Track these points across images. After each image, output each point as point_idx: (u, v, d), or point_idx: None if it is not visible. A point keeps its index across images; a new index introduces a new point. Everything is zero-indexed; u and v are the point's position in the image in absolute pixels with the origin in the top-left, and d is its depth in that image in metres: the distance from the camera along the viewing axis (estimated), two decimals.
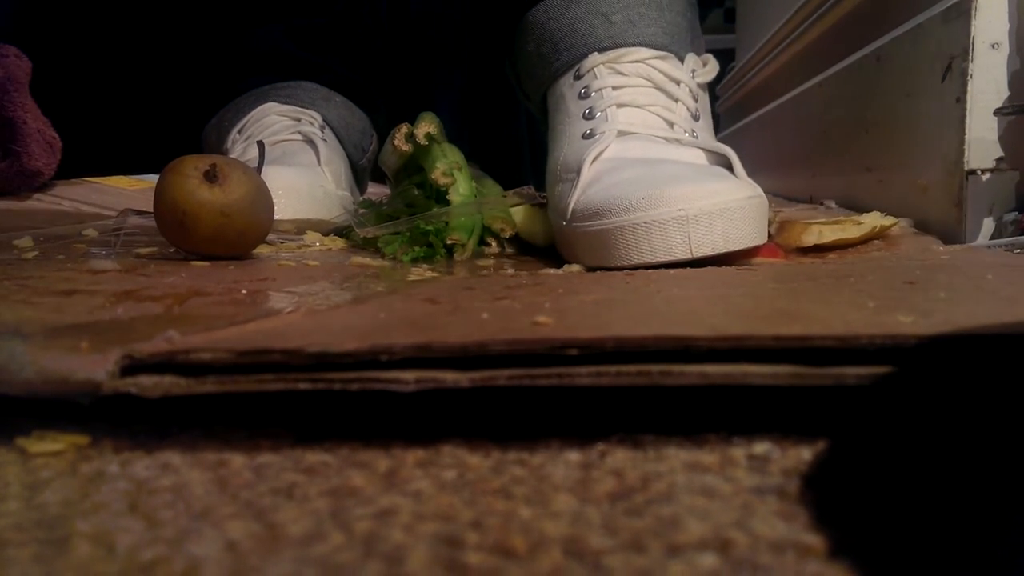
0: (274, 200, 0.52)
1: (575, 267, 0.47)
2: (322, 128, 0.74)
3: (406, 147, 0.57)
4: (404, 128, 0.58)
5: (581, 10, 0.55)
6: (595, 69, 0.54)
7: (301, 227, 0.61)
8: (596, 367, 0.20)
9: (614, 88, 0.53)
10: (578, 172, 0.50)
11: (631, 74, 0.53)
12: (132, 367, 0.21)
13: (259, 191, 0.47)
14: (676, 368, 0.20)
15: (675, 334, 0.21)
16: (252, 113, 0.73)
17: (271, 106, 0.74)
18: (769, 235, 0.49)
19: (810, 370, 0.20)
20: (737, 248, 0.44)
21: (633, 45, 0.54)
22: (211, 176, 0.44)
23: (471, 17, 0.89)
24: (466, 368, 0.21)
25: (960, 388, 0.20)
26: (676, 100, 0.53)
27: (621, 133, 0.51)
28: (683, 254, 0.43)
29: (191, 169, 0.44)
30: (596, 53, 0.54)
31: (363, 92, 0.82)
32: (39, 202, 0.71)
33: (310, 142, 0.71)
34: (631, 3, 0.55)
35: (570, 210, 0.49)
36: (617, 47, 0.54)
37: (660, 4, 0.56)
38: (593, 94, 0.53)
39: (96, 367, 0.21)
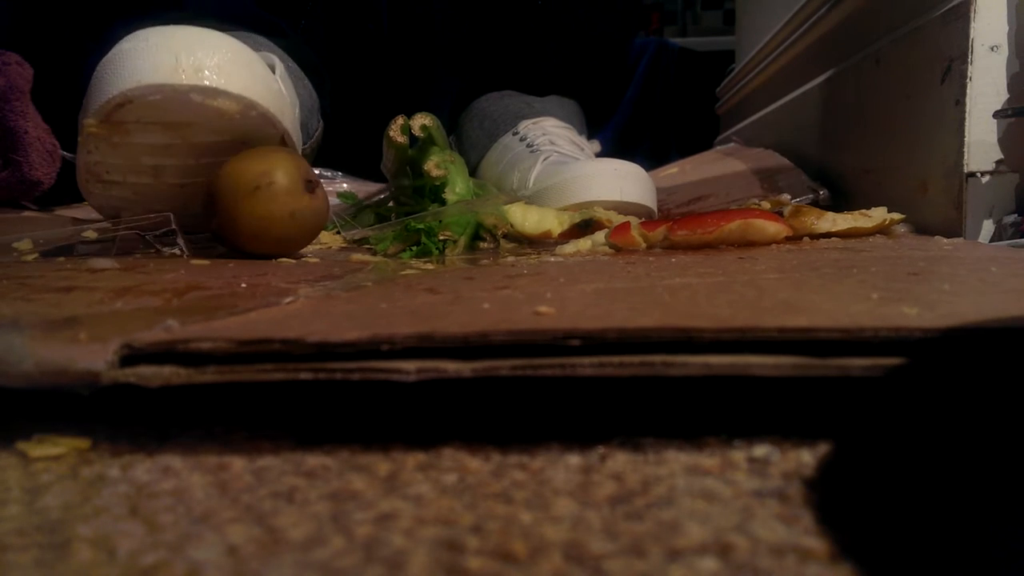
0: (212, 65, 0.43)
1: (568, 248, 0.48)
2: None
3: (402, 139, 0.57)
4: (400, 120, 0.58)
5: (512, 100, 0.87)
6: (527, 128, 0.82)
7: (248, 108, 0.45)
8: (599, 357, 0.20)
9: (543, 134, 0.80)
10: (533, 164, 0.73)
11: (551, 130, 0.81)
12: (131, 357, 0.21)
13: (322, 224, 0.48)
14: (679, 359, 0.20)
15: (678, 325, 0.20)
16: None
17: None
18: (781, 215, 0.50)
19: (814, 361, 0.20)
20: (646, 202, 0.67)
21: (548, 117, 0.83)
22: (311, 187, 0.45)
23: (470, 22, 0.89)
24: (468, 358, 0.20)
25: (963, 382, 0.20)
26: (581, 149, 0.80)
27: (554, 152, 0.76)
28: (615, 196, 0.65)
29: (304, 169, 0.45)
30: (526, 120, 0.83)
31: (316, 70, 0.76)
32: (39, 213, 0.71)
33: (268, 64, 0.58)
34: (543, 100, 0.87)
35: (531, 180, 0.72)
36: (539, 116, 0.83)
37: (561, 104, 0.88)
38: (529, 137, 0.81)
39: (95, 357, 0.21)
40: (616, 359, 0.20)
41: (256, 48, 0.61)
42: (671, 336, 0.20)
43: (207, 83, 0.43)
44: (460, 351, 0.21)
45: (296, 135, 0.53)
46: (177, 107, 0.44)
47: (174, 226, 0.47)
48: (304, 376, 0.20)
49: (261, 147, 0.46)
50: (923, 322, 0.20)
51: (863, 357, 0.20)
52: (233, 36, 0.63)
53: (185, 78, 0.43)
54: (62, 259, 0.46)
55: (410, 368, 0.20)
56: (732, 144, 1.14)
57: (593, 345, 0.20)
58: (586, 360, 0.20)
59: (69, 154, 0.57)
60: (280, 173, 0.44)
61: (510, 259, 0.47)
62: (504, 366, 0.20)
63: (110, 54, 0.45)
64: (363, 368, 0.20)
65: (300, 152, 0.61)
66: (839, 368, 0.20)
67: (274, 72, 0.53)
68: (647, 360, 0.20)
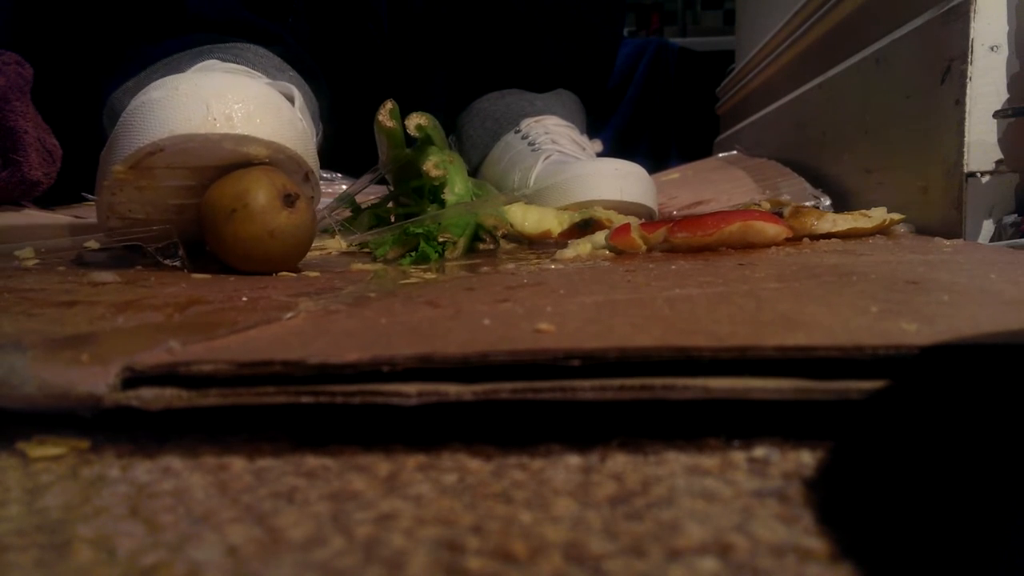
0: (242, 113, 0.43)
1: (568, 252, 0.48)
2: None
3: (391, 123, 0.57)
4: (389, 104, 0.57)
5: (513, 98, 0.87)
6: (530, 126, 0.83)
7: (277, 152, 0.46)
8: (599, 380, 0.20)
9: (545, 133, 0.81)
10: (534, 163, 0.76)
11: (553, 128, 0.82)
12: (133, 379, 0.21)
13: (310, 237, 0.47)
14: (679, 382, 0.20)
15: (678, 344, 0.21)
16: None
17: (213, 63, 0.59)
18: (781, 216, 0.51)
19: (814, 384, 0.20)
20: (646, 202, 0.68)
21: (550, 115, 0.85)
22: (289, 201, 0.44)
23: (470, 20, 0.89)
24: (469, 378, 0.21)
25: (963, 394, 0.21)
26: (583, 149, 0.81)
27: (556, 151, 0.77)
28: (616, 196, 0.66)
29: (280, 185, 0.44)
30: (528, 118, 0.84)
31: (313, 75, 0.73)
32: (38, 215, 0.71)
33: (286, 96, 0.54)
34: (545, 98, 0.87)
35: (532, 179, 0.74)
36: (541, 115, 0.84)
37: (563, 102, 0.89)
38: (531, 135, 0.81)
39: (97, 380, 0.21)
40: (616, 382, 0.20)
41: (268, 70, 0.63)
42: (671, 355, 0.20)
43: (239, 131, 0.43)
44: (461, 371, 0.21)
45: (315, 165, 0.52)
46: (207, 154, 0.44)
47: (175, 239, 0.47)
48: (305, 400, 0.21)
49: (240, 169, 0.45)
50: (921, 339, 0.21)
51: (862, 379, 0.20)
52: (241, 50, 0.66)
53: (217, 127, 0.43)
54: (63, 268, 0.46)
55: (411, 391, 0.20)
56: (734, 152, 1.15)
57: (594, 365, 0.20)
58: (587, 383, 0.20)
59: (91, 196, 0.56)
60: (254, 194, 0.43)
61: (510, 266, 0.47)
62: (505, 389, 0.20)
63: (138, 102, 0.44)
64: (364, 391, 0.21)
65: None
66: (838, 392, 0.20)
67: (293, 104, 0.52)
68: (647, 383, 0.20)
